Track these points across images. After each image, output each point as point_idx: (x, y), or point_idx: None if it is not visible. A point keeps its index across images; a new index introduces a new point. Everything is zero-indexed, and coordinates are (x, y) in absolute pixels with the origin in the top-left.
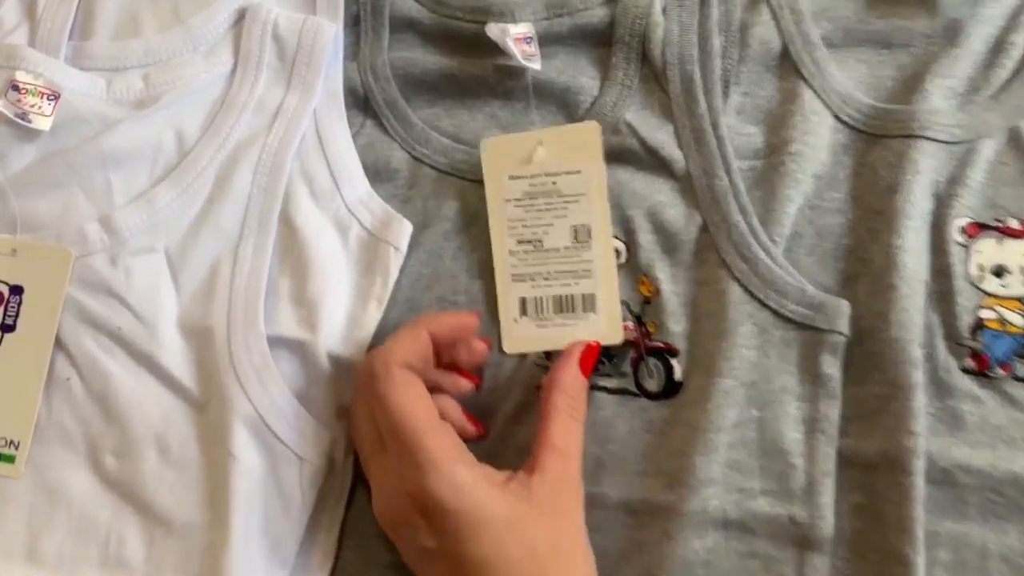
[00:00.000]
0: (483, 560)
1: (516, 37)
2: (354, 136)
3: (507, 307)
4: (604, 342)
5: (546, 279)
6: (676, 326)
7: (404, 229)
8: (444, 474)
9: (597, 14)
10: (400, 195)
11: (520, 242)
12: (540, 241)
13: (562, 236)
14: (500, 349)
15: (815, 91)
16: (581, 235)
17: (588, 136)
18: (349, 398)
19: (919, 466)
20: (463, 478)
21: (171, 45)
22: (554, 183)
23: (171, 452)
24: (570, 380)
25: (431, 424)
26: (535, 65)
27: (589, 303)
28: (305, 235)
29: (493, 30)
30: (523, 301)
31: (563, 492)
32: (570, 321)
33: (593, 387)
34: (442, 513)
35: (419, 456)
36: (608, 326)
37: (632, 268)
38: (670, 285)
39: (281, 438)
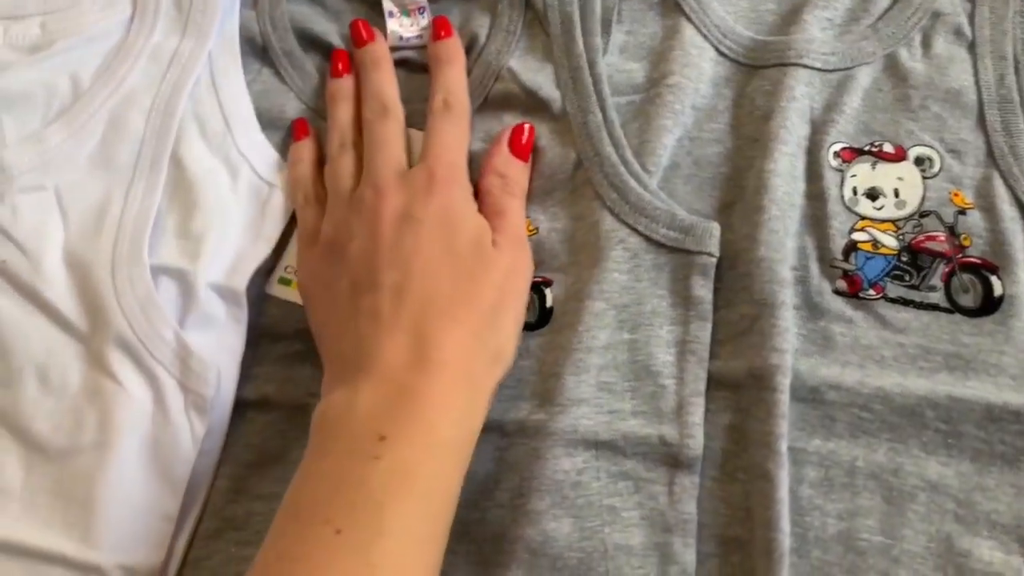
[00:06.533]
0: None
1: (411, 9)
2: (249, 83)
3: None
4: None
5: None
6: (554, 262)
7: None
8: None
9: None
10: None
11: None
12: None
13: None
14: None
15: (696, 27)
16: None
17: None
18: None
19: (784, 383)
20: None
21: None
22: None
23: (51, 381)
24: (501, 161)
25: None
26: (423, 40)
27: None
28: (194, 174)
29: (388, 4)
30: None
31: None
32: None
33: None
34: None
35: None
36: None
37: None
38: (550, 223)
39: (166, 366)
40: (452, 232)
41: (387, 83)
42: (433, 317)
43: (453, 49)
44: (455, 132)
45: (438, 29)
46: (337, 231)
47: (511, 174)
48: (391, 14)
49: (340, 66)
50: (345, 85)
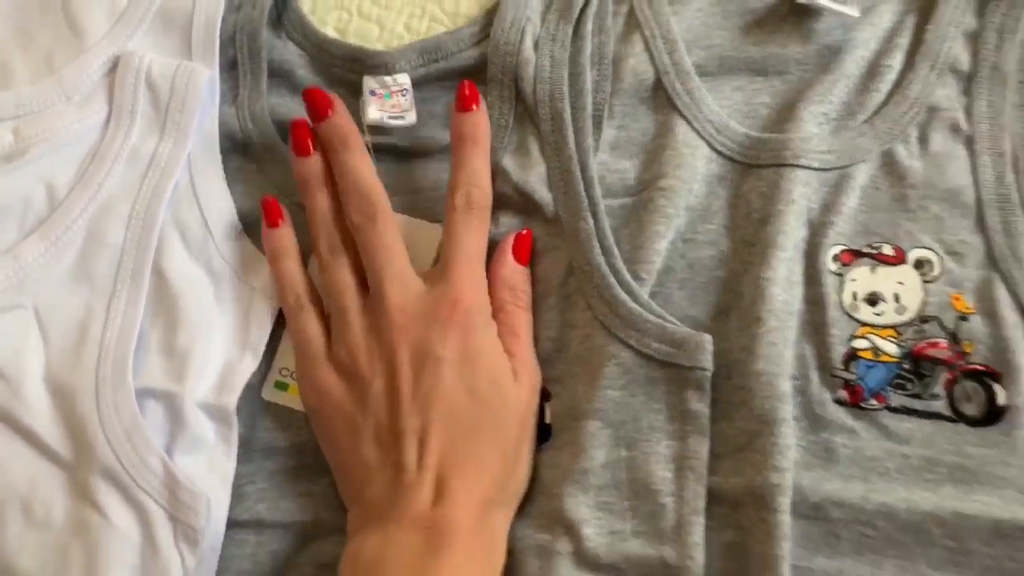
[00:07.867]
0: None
1: (394, 91)
2: (231, 181)
3: None
4: None
5: None
6: (551, 371)
7: None
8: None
9: (472, 55)
10: None
11: None
12: None
13: None
14: None
15: (689, 122)
16: None
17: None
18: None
19: (785, 503)
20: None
21: (43, 96)
22: None
23: (35, 514)
24: (509, 273)
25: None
26: (406, 121)
27: None
28: (177, 286)
29: (370, 83)
30: None
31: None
32: None
33: None
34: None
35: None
36: None
37: None
38: (544, 331)
39: (154, 497)
40: (474, 371)
41: (364, 166)
42: (456, 468)
43: (481, 127)
44: (477, 239)
45: (466, 99)
46: (353, 359)
47: (519, 285)
48: (373, 93)
49: (307, 142)
50: (314, 166)
